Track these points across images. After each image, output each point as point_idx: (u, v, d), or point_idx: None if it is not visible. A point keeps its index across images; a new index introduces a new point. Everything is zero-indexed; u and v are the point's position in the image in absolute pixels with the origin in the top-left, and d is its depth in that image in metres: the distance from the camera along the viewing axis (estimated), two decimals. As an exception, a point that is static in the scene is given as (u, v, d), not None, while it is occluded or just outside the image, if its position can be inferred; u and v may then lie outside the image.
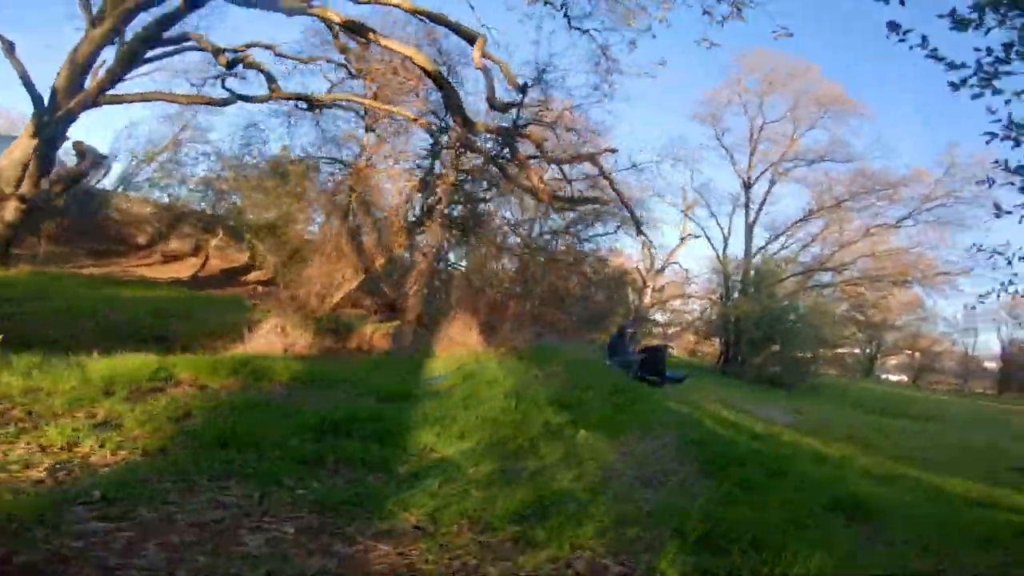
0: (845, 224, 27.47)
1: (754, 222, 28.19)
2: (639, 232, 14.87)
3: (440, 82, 12.03)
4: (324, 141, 16.19)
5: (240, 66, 13.69)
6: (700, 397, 12.43)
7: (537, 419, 5.80)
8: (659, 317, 38.73)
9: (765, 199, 27.98)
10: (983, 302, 5.16)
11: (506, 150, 12.11)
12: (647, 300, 36.01)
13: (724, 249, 29.37)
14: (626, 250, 39.95)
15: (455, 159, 12.87)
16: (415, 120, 12.22)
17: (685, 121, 53.84)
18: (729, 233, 29.64)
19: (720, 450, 5.68)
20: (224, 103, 15.55)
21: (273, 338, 9.88)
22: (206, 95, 15.86)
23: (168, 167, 23.29)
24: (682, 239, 34.54)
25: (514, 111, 11.79)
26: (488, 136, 12.24)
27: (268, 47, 15.41)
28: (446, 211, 13.07)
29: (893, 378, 48.05)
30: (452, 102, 12.03)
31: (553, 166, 14.02)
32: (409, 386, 6.94)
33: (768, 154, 27.41)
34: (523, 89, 10.53)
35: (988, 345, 48.52)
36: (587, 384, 9.79)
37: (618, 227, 34.90)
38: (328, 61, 16.22)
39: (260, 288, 17.17)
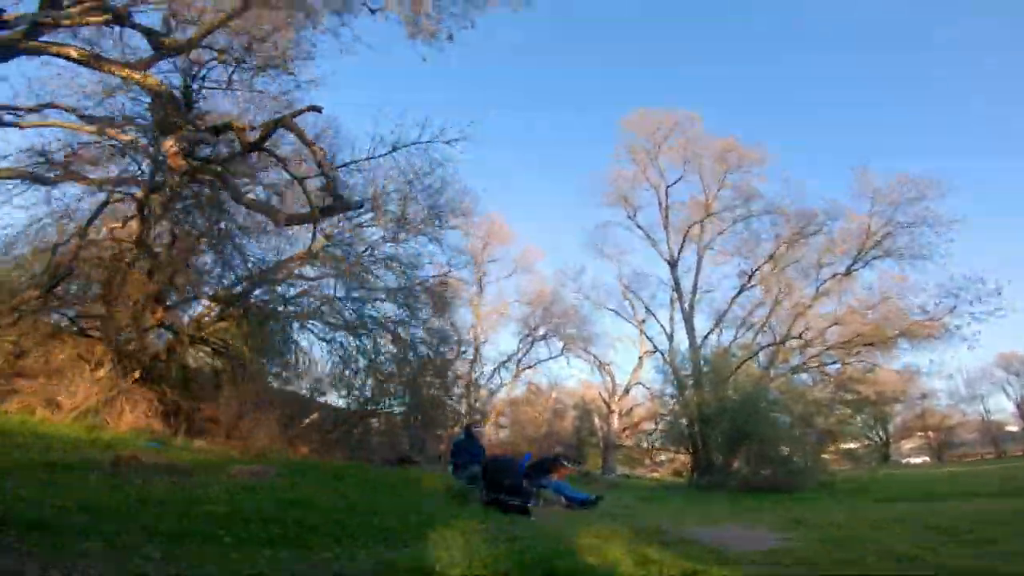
0: (793, 292, 23.72)
1: (692, 306, 24.28)
2: (345, 206, 10.29)
3: (165, 99, 8.66)
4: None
5: None
6: (611, 528, 6.72)
7: None
8: (643, 443, 33.00)
9: (697, 278, 24.47)
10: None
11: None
12: (615, 425, 30.55)
13: (670, 344, 25.03)
14: (586, 377, 35.99)
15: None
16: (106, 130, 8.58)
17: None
18: (672, 330, 25.59)
19: None
20: None
21: None
22: None
23: None
24: (640, 357, 30.73)
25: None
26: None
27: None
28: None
29: (915, 461, 40.80)
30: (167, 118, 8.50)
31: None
32: None
33: (689, 227, 24.52)
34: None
35: (1000, 406, 44.11)
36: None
37: (564, 348, 31.33)
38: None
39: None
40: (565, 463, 9.52)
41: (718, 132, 25.64)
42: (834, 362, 24.06)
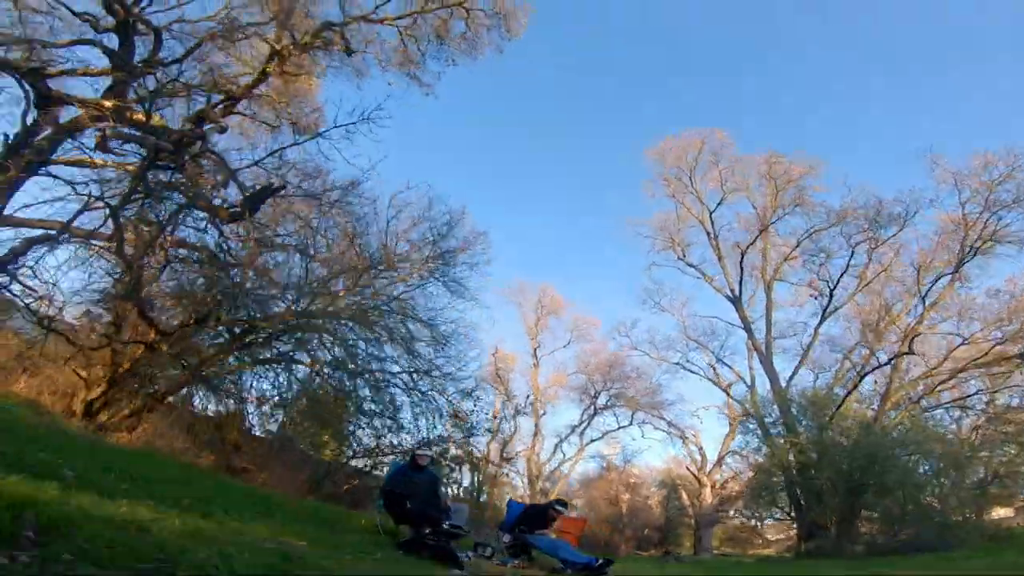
0: (894, 312, 19.46)
1: (768, 344, 20.62)
2: (266, 192, 9.17)
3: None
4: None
5: None
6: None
7: None
8: (743, 515, 27.60)
9: (769, 313, 21.04)
10: None
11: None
12: (708, 500, 26.02)
13: (750, 390, 21.31)
14: (665, 448, 31.49)
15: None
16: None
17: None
18: (752, 377, 21.89)
19: None
20: None
21: None
22: None
23: None
24: (731, 423, 26.85)
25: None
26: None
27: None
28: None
29: None
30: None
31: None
32: None
33: (744, 251, 21.48)
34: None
35: None
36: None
37: (633, 417, 27.75)
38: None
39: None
40: (560, 509, 7.01)
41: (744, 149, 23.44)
42: (977, 392, 19.01)
